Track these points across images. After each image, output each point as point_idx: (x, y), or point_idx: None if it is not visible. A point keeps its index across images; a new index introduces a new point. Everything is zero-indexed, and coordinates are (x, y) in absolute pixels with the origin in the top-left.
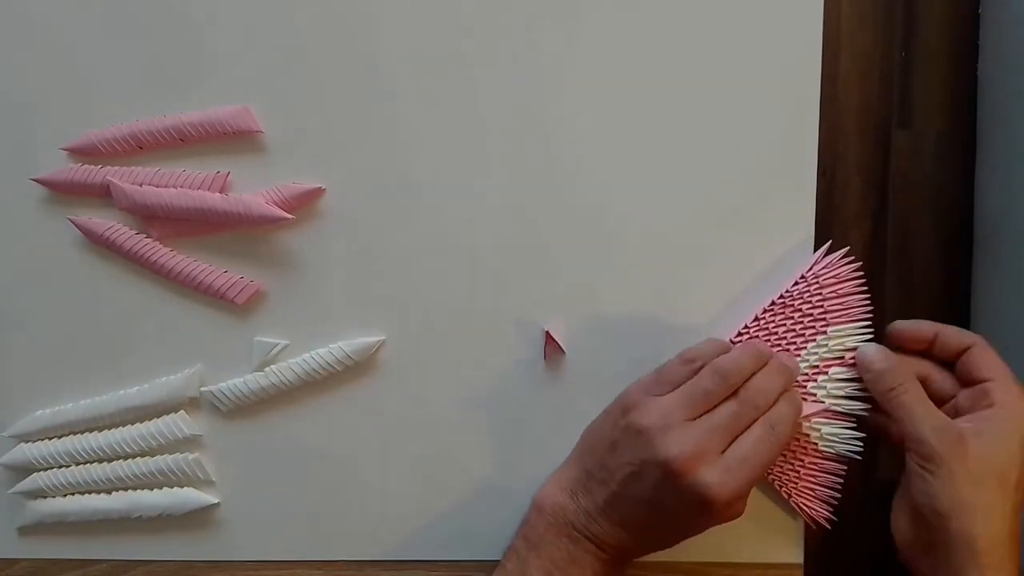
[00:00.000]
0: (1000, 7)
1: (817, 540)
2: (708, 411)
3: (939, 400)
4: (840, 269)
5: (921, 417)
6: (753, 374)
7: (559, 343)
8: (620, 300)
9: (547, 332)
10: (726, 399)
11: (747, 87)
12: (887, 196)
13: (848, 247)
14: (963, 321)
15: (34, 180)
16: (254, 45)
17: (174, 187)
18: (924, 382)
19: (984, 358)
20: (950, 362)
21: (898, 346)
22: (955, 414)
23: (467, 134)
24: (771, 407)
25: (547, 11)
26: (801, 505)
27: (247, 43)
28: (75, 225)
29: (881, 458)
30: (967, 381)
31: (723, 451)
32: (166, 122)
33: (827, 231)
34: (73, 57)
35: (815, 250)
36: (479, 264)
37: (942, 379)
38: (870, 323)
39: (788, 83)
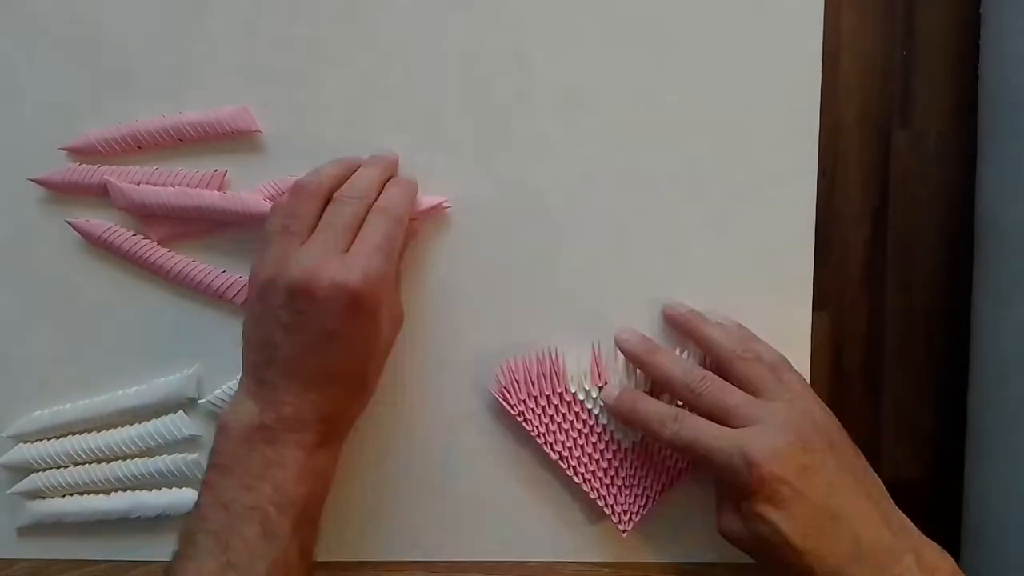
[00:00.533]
0: (1000, 7)
1: None
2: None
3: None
4: None
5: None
6: (345, 177)
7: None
8: (619, 300)
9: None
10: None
11: (747, 87)
12: (887, 196)
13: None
14: (964, 321)
15: (32, 180)
16: (254, 44)
17: (172, 186)
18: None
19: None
20: None
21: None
22: None
23: (466, 133)
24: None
25: (546, 10)
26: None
27: (247, 42)
28: (73, 227)
29: (883, 457)
30: None
31: (346, 250)
32: (165, 122)
33: (827, 231)
34: (72, 57)
35: (815, 252)
36: (479, 262)
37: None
38: None
39: (788, 83)
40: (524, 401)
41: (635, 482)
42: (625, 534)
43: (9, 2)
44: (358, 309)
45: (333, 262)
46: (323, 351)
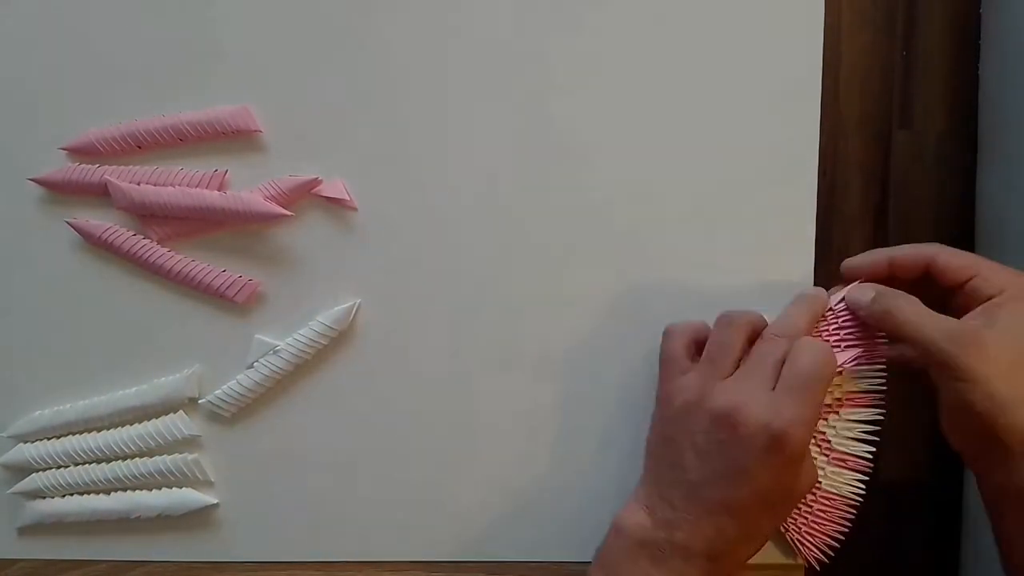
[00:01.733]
0: (1001, 7)
1: None
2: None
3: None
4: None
5: (928, 326)
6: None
7: None
8: (620, 301)
9: None
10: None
11: (747, 87)
12: (887, 196)
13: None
14: None
15: (32, 180)
16: (255, 45)
17: (172, 186)
18: None
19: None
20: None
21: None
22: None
23: (466, 134)
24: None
25: (547, 11)
26: (797, 541)
27: (248, 43)
28: (73, 227)
29: (883, 459)
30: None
31: (772, 388)
32: (165, 121)
33: (827, 231)
34: (72, 56)
35: (815, 252)
36: (480, 264)
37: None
38: (884, 364)
39: (788, 83)
40: None
41: (820, 519)
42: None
43: (9, 1)
44: (779, 451)
45: (762, 398)
46: (733, 486)
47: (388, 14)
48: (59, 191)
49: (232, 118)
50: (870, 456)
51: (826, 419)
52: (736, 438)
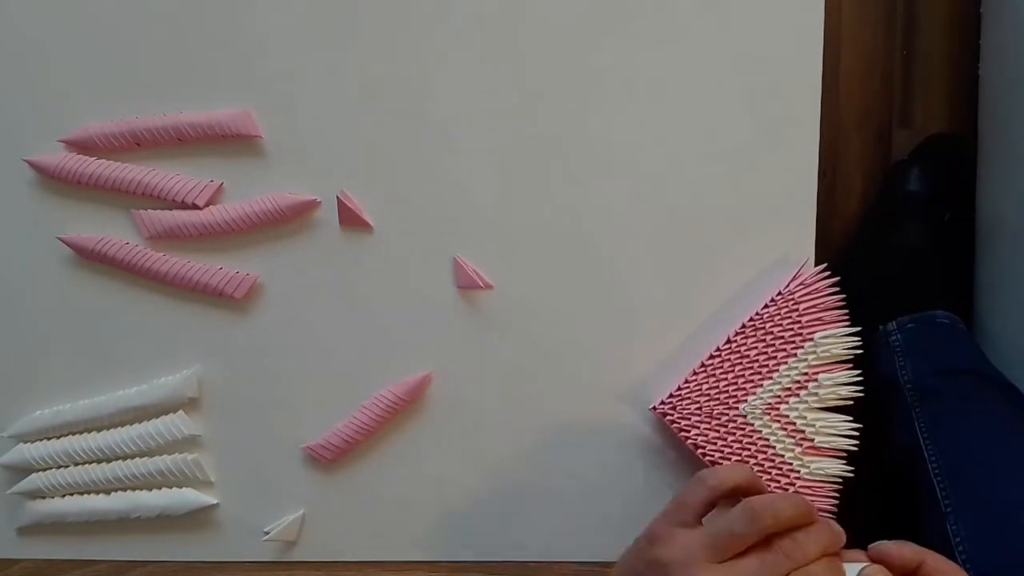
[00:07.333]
0: (1000, 7)
1: None
2: (736, 556)
3: None
4: (815, 286)
5: None
6: (791, 524)
7: None
8: (621, 301)
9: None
10: (758, 545)
11: (748, 87)
12: None
13: (825, 264)
14: (964, 320)
15: (26, 161)
16: (261, 51)
17: (164, 197)
18: None
19: None
20: None
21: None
22: None
23: (465, 144)
24: (808, 565)
25: (544, 13)
26: None
27: (254, 49)
28: (65, 243)
29: (881, 458)
30: None
31: None
32: (165, 121)
33: (827, 231)
34: (75, 53)
35: (815, 251)
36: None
37: None
38: (853, 331)
39: (788, 83)
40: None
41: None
42: None
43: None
44: None
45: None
46: None
47: (393, 27)
48: (52, 177)
49: (233, 122)
50: (855, 440)
51: (798, 395)
52: None
